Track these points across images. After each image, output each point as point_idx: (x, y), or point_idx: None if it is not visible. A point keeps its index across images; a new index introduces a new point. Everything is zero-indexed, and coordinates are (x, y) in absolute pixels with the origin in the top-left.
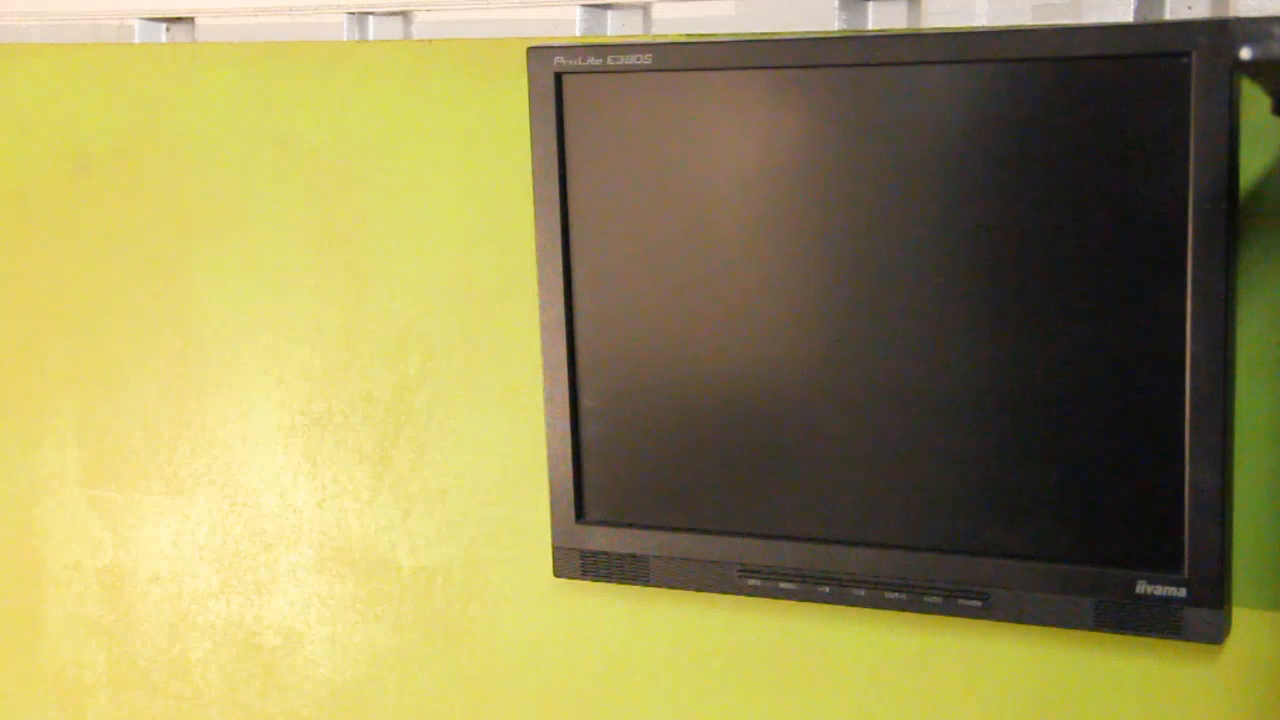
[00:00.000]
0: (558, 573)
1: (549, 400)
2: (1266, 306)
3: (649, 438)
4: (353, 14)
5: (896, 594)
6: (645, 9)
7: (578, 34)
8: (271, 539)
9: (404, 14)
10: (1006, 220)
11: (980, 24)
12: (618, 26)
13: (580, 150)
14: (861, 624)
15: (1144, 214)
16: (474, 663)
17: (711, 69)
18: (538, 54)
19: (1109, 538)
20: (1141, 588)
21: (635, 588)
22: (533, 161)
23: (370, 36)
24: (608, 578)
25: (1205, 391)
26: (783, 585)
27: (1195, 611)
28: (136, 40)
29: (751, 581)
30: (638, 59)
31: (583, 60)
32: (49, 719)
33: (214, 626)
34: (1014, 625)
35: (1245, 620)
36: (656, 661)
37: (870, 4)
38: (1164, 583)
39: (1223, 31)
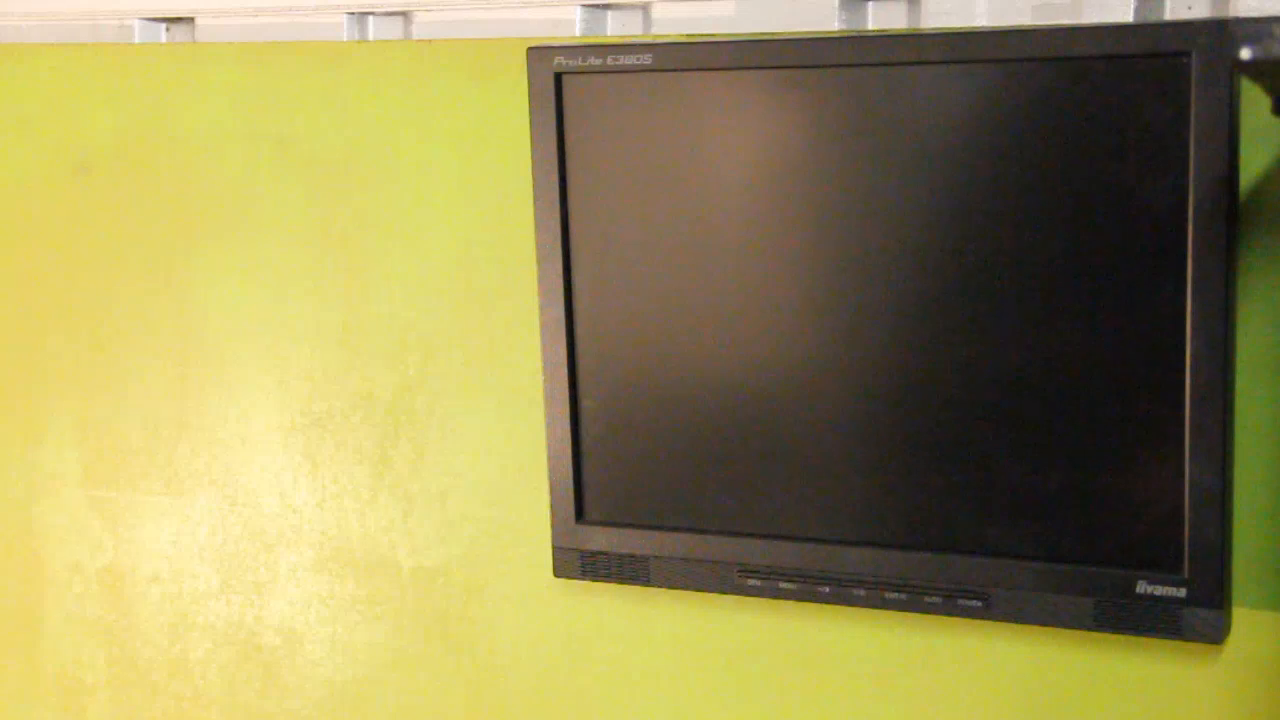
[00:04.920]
0: (558, 573)
1: (549, 400)
2: (1266, 306)
3: (649, 438)
4: (353, 14)
5: (896, 594)
6: (645, 9)
7: (578, 34)
8: (271, 539)
9: (404, 14)
10: (1006, 220)
11: (980, 24)
12: (618, 26)
13: (580, 150)
14: (861, 624)
15: (1144, 214)
16: (474, 663)
17: (711, 69)
18: (538, 54)
19: (1109, 538)
20: (1141, 588)
21: (635, 588)
22: (533, 161)
23: (370, 36)
24: (608, 578)
25: (1205, 391)
26: (783, 585)
27: (1195, 611)
28: (136, 40)
29: (751, 581)
30: (638, 59)
31: (583, 60)
32: (49, 719)
33: (214, 626)
34: (1014, 625)
35: (1245, 620)
36: (656, 661)
37: (870, 4)
38: (1164, 583)
39: (1223, 31)
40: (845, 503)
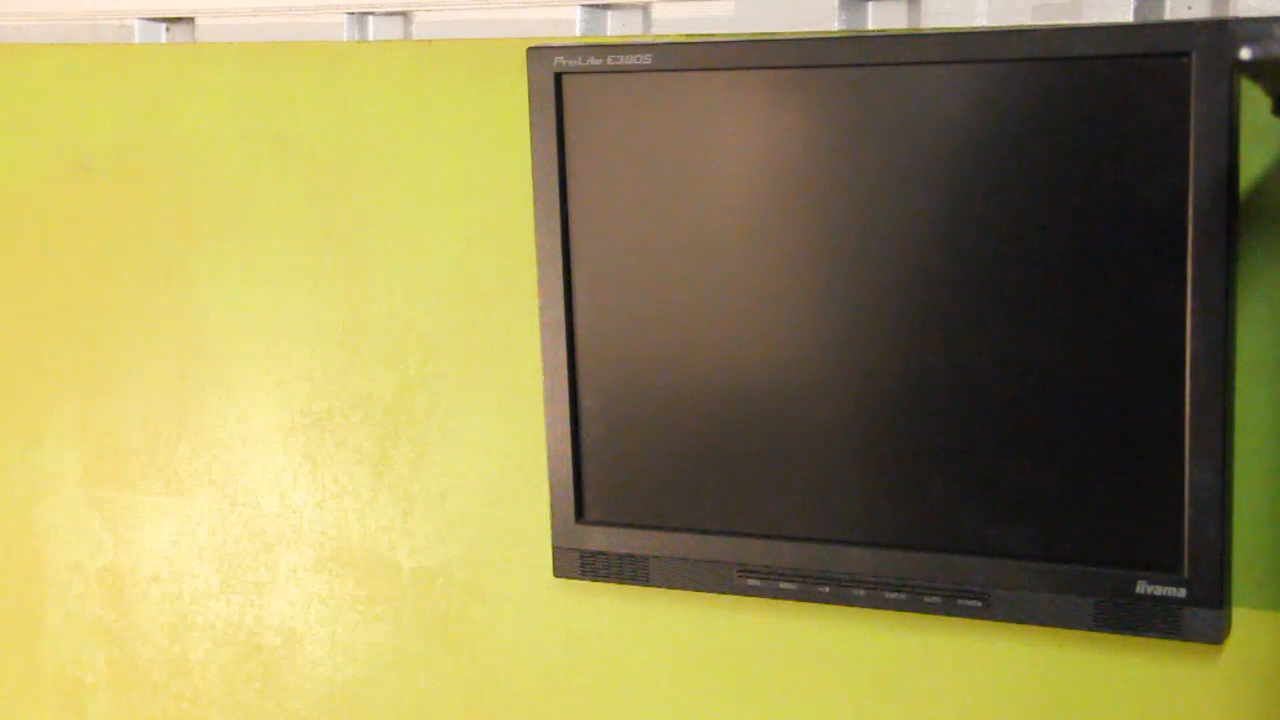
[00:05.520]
0: (558, 573)
1: (549, 400)
2: (1266, 306)
3: (649, 438)
4: (353, 14)
5: (896, 594)
6: (645, 9)
7: (578, 34)
8: (271, 539)
9: (404, 14)
10: (1006, 220)
11: (980, 24)
12: (618, 26)
13: (580, 150)
14: (861, 624)
15: (1144, 214)
16: (474, 663)
17: (711, 69)
18: (538, 54)
19: (1109, 538)
20: (1141, 588)
21: (635, 588)
22: (533, 161)
23: (370, 36)
24: (608, 578)
25: (1205, 391)
26: (783, 585)
27: (1195, 611)
28: (136, 40)
29: (751, 581)
30: (638, 59)
31: (583, 60)
32: (49, 719)
33: (214, 626)
34: (1014, 625)
35: (1245, 620)
36: (656, 661)
37: (870, 4)
38: (1164, 583)
39: (1223, 31)
40: (845, 503)
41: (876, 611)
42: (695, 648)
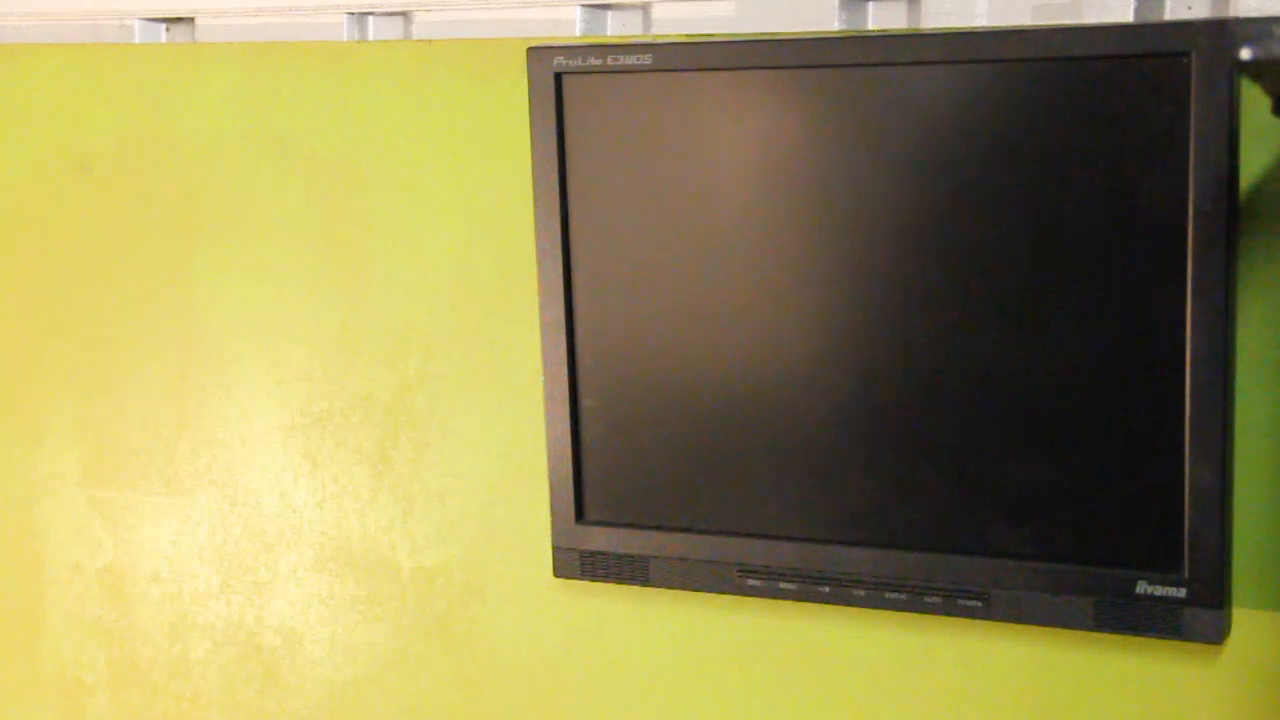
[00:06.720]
0: (558, 573)
1: (549, 400)
2: (1266, 306)
3: (649, 438)
4: (353, 14)
5: (896, 594)
6: (645, 9)
7: (578, 34)
8: (271, 539)
9: (404, 14)
10: (1006, 220)
11: (980, 24)
12: (618, 26)
13: (580, 150)
14: (861, 624)
15: (1144, 214)
16: (474, 663)
17: (711, 69)
18: (538, 54)
19: (1109, 538)
20: (1141, 588)
21: (635, 588)
22: (533, 161)
23: (370, 36)
24: (607, 578)
25: (1205, 391)
26: (783, 585)
27: (1195, 611)
28: (136, 40)
29: (751, 581)
30: (638, 59)
31: (583, 60)
32: (49, 719)
33: (214, 626)
34: (1014, 625)
35: (1245, 620)
36: (656, 661)
37: (870, 4)
38: (1164, 583)
39: (1223, 31)
40: (845, 503)
41: (876, 611)
42: (695, 648)
